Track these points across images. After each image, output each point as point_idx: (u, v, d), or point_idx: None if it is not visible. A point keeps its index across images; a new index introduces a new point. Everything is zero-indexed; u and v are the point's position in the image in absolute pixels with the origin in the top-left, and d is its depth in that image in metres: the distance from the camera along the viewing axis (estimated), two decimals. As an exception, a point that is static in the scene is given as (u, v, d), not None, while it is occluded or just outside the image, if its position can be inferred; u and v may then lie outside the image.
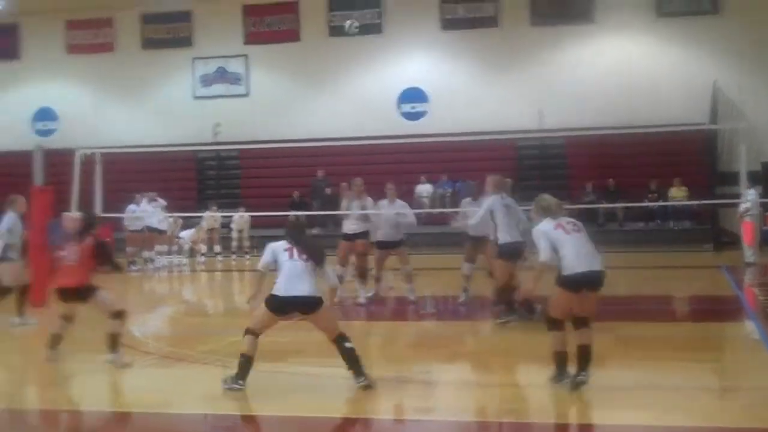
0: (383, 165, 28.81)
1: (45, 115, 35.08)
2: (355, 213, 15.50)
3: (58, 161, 20.11)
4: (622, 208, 27.24)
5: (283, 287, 8.88)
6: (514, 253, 12.49)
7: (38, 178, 16.44)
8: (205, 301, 19.22)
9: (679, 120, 27.26)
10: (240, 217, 27.27)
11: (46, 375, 10.21)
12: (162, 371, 10.37)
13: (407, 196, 26.72)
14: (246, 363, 8.76)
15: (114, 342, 10.17)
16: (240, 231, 27.50)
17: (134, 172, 27.73)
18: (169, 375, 10.15)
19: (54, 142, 30.21)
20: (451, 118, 30.01)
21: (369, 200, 15.65)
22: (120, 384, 9.76)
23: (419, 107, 31.87)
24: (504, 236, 12.59)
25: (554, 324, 8.84)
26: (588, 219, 27.43)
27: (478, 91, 30.94)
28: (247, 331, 8.92)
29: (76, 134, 31.07)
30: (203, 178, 33.02)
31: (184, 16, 34.03)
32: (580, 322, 8.83)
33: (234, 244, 27.47)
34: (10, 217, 13.89)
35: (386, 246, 15.42)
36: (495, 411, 8.48)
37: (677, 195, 27.25)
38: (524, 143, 30.34)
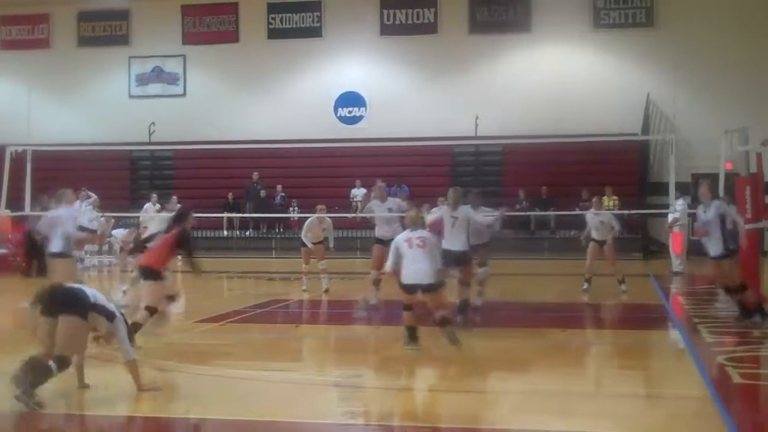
0: (319, 168, 28.82)
1: (-25, 110, 34.48)
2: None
3: (-12, 158, 19.79)
4: (554, 215, 27.49)
5: None
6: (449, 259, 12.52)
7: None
8: (134, 302, 18.94)
9: (612, 130, 27.64)
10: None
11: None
12: (88, 371, 10.08)
13: (341, 199, 26.82)
14: None
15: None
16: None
17: (67, 170, 27.37)
18: (95, 375, 9.88)
19: (-16, 138, 29.68)
20: (388, 122, 30.00)
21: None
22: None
23: (356, 111, 31.84)
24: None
25: (405, 307, 10.97)
26: (520, 226, 27.97)
27: (415, 96, 31.04)
28: None
29: (8, 131, 30.37)
30: (137, 178, 32.66)
31: (122, 15, 33.69)
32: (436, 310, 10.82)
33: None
34: None
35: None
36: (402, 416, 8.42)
37: (608, 204, 27.47)
38: (460, 150, 30.47)
